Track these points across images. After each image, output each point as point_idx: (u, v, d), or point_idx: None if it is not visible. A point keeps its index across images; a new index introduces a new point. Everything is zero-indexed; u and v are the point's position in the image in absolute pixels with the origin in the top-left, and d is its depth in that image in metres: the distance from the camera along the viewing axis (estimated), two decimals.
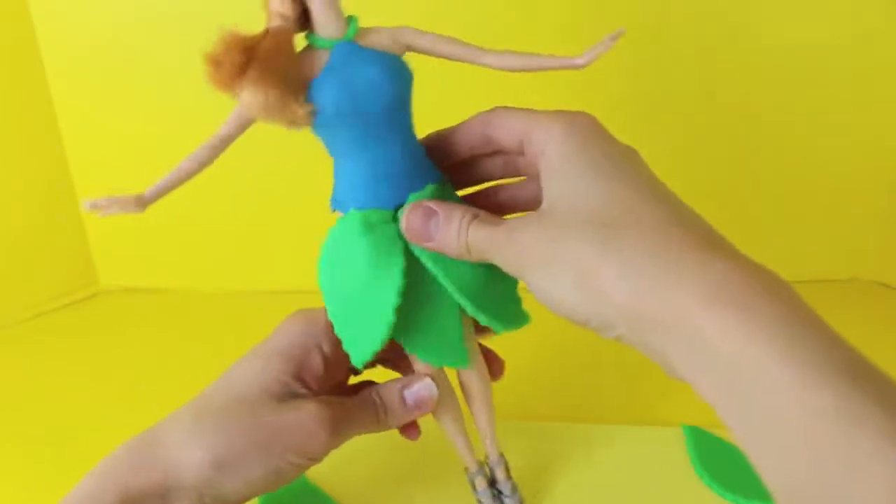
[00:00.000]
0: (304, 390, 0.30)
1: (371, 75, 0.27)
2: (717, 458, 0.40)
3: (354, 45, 0.27)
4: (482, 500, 0.33)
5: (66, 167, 0.63)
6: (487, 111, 0.28)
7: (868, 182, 0.61)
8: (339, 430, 0.29)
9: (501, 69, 0.27)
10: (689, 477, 0.38)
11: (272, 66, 0.25)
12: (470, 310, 0.29)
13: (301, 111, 0.26)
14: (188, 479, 0.27)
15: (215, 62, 0.25)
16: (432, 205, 0.27)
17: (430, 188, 0.28)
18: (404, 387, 0.31)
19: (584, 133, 0.25)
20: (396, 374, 0.33)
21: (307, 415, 0.28)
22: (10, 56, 0.58)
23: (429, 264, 0.28)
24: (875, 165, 0.61)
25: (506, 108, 0.28)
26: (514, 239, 0.24)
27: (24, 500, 0.41)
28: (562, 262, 0.22)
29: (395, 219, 0.28)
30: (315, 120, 0.27)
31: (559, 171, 0.24)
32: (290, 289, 0.65)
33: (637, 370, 0.50)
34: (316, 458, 0.29)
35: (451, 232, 0.26)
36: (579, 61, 0.26)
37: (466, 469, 0.33)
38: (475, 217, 0.26)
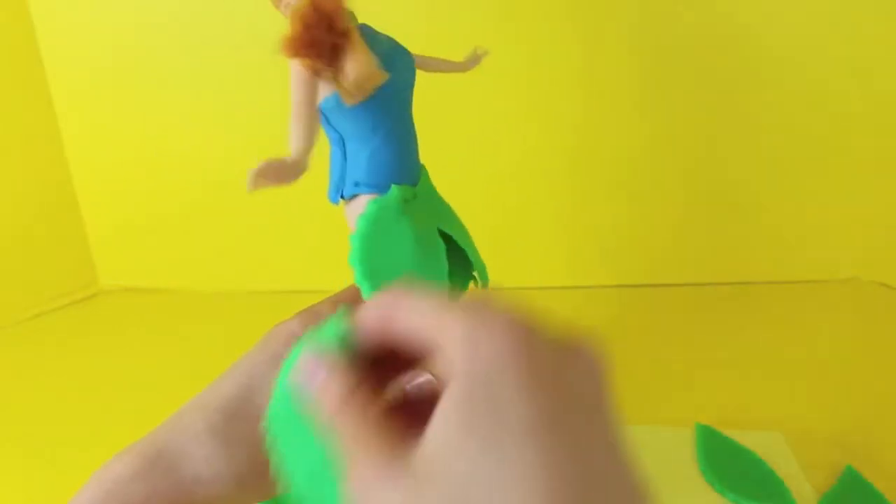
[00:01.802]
0: None
1: (404, 56, 0.28)
2: (722, 457, 0.40)
3: (370, 27, 0.28)
4: None
5: (66, 167, 0.63)
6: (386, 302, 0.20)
7: (868, 182, 0.61)
8: None
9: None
10: (692, 473, 0.38)
11: (361, 40, 0.26)
12: (478, 266, 0.32)
13: (385, 76, 0.27)
14: (210, 496, 0.26)
15: (312, 39, 0.25)
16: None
17: (425, 171, 0.30)
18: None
19: (491, 374, 0.17)
20: None
21: None
22: (10, 56, 0.58)
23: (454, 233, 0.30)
24: (875, 166, 0.61)
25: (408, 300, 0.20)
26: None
27: (24, 500, 0.41)
28: None
29: (416, 195, 0.29)
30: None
31: (441, 426, 0.17)
32: (291, 289, 0.65)
33: (648, 371, 0.50)
34: None
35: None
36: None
37: None
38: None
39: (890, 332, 0.56)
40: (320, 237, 0.64)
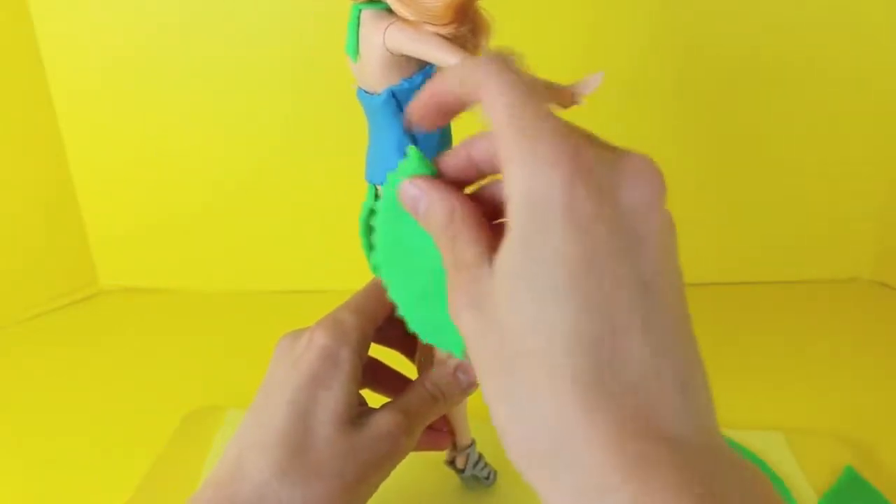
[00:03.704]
0: (362, 401, 0.30)
1: None
2: None
3: None
4: (466, 477, 0.37)
5: (66, 167, 0.63)
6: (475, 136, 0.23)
7: (868, 182, 0.61)
8: (413, 432, 0.29)
9: None
10: None
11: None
12: None
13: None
14: None
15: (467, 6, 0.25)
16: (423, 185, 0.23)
17: None
18: (457, 368, 0.30)
19: (550, 202, 0.18)
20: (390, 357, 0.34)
21: (385, 429, 0.28)
22: (10, 56, 0.58)
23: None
24: (875, 166, 0.61)
25: (485, 134, 0.22)
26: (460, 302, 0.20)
27: (24, 500, 0.41)
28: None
29: None
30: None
31: (513, 256, 0.18)
32: (291, 289, 0.65)
33: None
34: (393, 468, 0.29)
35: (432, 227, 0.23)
36: (562, 102, 0.24)
37: (455, 448, 0.36)
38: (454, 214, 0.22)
39: (890, 332, 0.56)
40: (321, 237, 0.64)
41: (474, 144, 0.23)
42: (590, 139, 0.19)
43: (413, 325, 0.26)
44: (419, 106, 0.23)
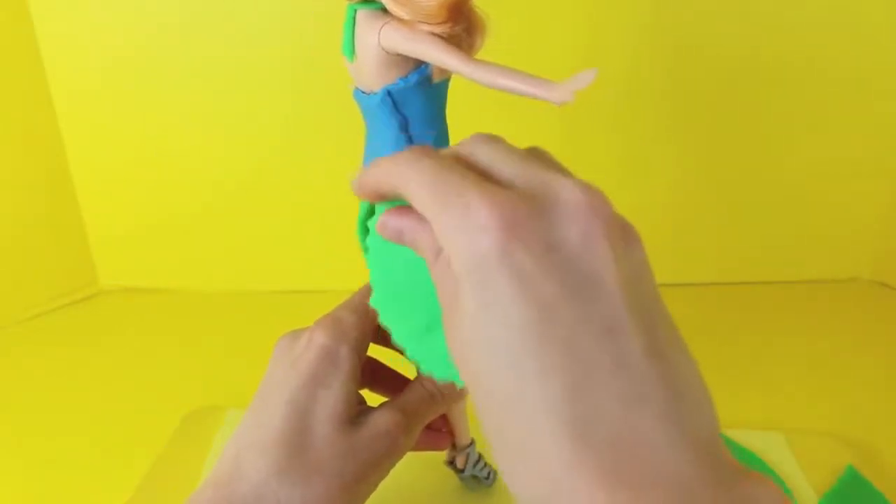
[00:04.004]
0: (361, 400, 0.30)
1: None
2: None
3: None
4: (465, 477, 0.37)
5: (66, 167, 0.63)
6: None
7: (868, 182, 0.61)
8: (411, 431, 0.29)
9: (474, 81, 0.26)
10: None
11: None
12: None
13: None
14: None
15: (461, 5, 0.25)
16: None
17: None
18: None
19: (490, 269, 0.17)
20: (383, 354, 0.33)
21: (384, 428, 0.28)
22: (10, 56, 0.58)
23: None
24: (875, 165, 0.61)
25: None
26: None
27: (24, 500, 0.41)
28: None
29: None
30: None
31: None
32: (291, 289, 0.65)
33: None
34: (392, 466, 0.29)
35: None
36: (554, 98, 0.23)
37: (455, 449, 0.36)
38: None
39: (890, 332, 0.56)
40: (321, 237, 0.64)
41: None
42: (517, 191, 0.18)
43: (411, 357, 0.25)
44: (357, 189, 0.23)
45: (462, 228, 0.18)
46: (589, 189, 0.19)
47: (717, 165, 0.62)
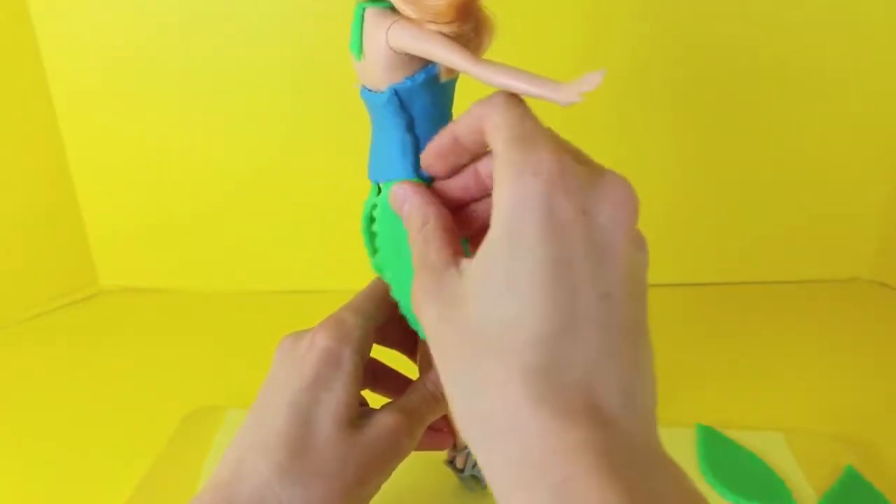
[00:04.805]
0: (363, 402, 0.30)
1: None
2: (723, 458, 0.40)
3: None
4: (465, 477, 0.38)
5: (66, 167, 0.63)
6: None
7: (868, 182, 0.61)
8: (414, 432, 0.29)
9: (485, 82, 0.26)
10: (693, 475, 0.38)
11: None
12: None
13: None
14: None
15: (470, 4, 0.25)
16: (410, 191, 0.26)
17: None
18: None
19: (531, 207, 0.19)
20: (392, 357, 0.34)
21: (386, 429, 0.28)
22: (10, 56, 0.58)
23: None
24: (875, 165, 0.61)
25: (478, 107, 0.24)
26: (422, 302, 0.22)
27: (24, 500, 0.41)
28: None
29: None
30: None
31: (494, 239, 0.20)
32: (291, 289, 0.65)
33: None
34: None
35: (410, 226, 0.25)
36: (561, 99, 0.23)
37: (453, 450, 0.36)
38: (426, 225, 0.24)
39: (890, 332, 0.56)
40: (321, 237, 0.64)
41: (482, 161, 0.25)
42: (578, 156, 0.22)
43: (414, 324, 0.27)
44: (434, 146, 0.25)
45: (521, 165, 0.20)
46: (629, 183, 0.21)
47: (717, 165, 0.62)
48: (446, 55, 0.25)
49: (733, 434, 0.42)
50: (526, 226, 0.19)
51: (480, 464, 0.19)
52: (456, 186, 0.26)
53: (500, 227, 0.20)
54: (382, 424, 0.28)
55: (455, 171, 0.26)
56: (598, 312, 0.19)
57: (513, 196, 0.20)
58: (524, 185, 0.19)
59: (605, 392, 0.18)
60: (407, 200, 0.25)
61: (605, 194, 0.20)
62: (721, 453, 0.41)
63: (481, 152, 0.25)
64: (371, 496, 0.28)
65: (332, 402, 0.27)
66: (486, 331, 0.19)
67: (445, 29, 0.25)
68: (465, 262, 0.21)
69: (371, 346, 0.30)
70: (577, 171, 0.20)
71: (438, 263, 0.22)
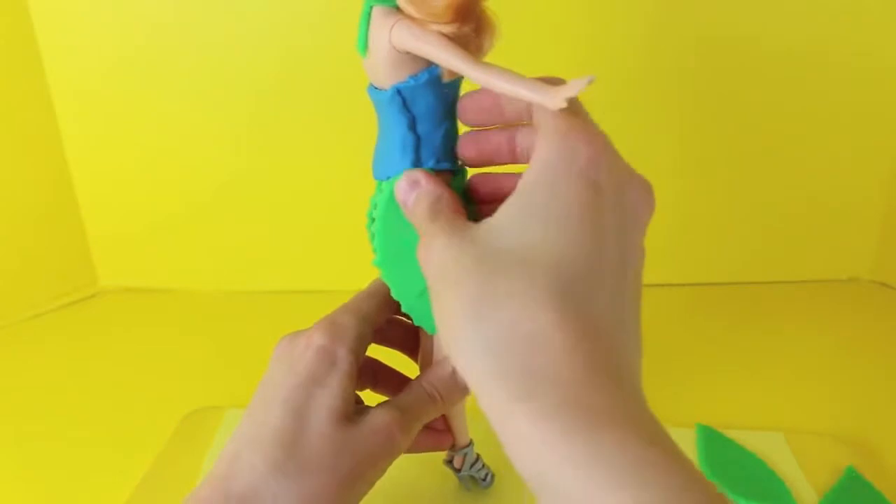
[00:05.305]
0: (358, 400, 0.30)
1: None
2: (723, 458, 0.40)
3: None
4: (463, 477, 0.38)
5: (66, 167, 0.63)
6: None
7: (868, 182, 0.61)
8: (409, 430, 0.29)
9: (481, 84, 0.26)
10: None
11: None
12: None
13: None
14: None
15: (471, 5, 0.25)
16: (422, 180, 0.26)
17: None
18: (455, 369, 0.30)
19: (577, 162, 0.21)
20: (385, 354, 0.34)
21: (381, 425, 0.28)
22: (10, 56, 0.58)
23: None
24: (875, 166, 0.61)
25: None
26: (430, 260, 0.22)
27: (24, 500, 0.41)
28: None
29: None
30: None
31: (525, 199, 0.21)
32: (291, 289, 0.65)
33: (648, 371, 0.50)
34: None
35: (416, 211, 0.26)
36: (548, 102, 0.23)
37: (454, 449, 0.36)
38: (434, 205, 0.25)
39: (890, 332, 0.56)
40: (321, 237, 0.64)
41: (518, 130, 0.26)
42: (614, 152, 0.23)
43: (417, 321, 0.28)
44: (475, 98, 0.26)
45: (575, 132, 0.21)
46: (653, 190, 0.23)
47: (716, 166, 0.62)
48: (444, 56, 0.25)
49: (733, 434, 0.42)
50: (570, 176, 0.20)
51: (486, 406, 0.18)
52: (487, 144, 0.27)
53: (542, 173, 0.21)
54: (377, 420, 0.28)
55: (483, 136, 0.27)
56: (614, 271, 0.20)
57: (560, 150, 0.21)
58: (574, 147, 0.21)
59: (626, 343, 0.20)
60: (419, 184, 0.26)
61: (634, 186, 0.22)
62: (721, 453, 0.41)
63: (514, 122, 0.26)
64: (365, 492, 0.28)
65: (327, 398, 0.27)
66: (511, 250, 0.20)
67: (446, 29, 0.25)
68: (517, 189, 0.21)
69: (367, 346, 0.30)
70: (619, 156, 0.22)
71: (450, 215, 0.23)
